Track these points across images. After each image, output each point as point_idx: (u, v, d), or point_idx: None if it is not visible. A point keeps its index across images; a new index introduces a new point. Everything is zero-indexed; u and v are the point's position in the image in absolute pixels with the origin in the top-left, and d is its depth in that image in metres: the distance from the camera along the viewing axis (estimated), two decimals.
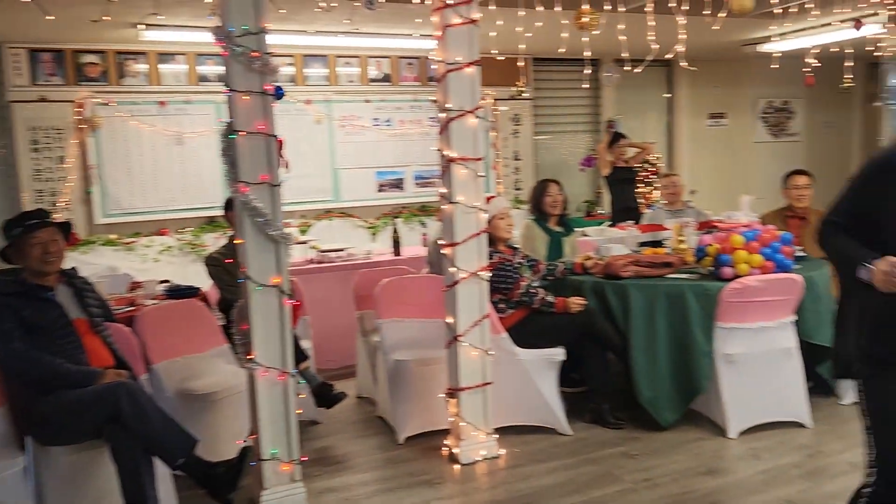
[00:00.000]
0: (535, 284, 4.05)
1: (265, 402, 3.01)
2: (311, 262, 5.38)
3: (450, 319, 3.52)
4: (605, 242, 4.77)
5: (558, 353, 3.87)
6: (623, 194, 6.91)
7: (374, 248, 5.95)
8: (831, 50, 5.09)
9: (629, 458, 3.59)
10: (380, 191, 7.07)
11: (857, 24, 5.17)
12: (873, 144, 9.93)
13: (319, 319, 4.76)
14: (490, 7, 3.80)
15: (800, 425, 3.87)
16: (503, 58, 4.52)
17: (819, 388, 4.18)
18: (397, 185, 7.14)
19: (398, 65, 7.09)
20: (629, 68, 4.25)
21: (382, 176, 7.07)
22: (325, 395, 3.98)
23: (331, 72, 6.78)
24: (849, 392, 4.15)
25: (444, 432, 3.76)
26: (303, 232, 6.55)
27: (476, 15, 3.33)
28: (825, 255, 2.15)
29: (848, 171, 9.99)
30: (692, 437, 3.81)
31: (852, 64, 5.38)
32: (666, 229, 5.14)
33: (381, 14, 3.85)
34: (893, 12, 5.11)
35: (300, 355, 3.85)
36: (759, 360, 3.79)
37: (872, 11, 5.23)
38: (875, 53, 5.46)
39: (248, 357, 3.01)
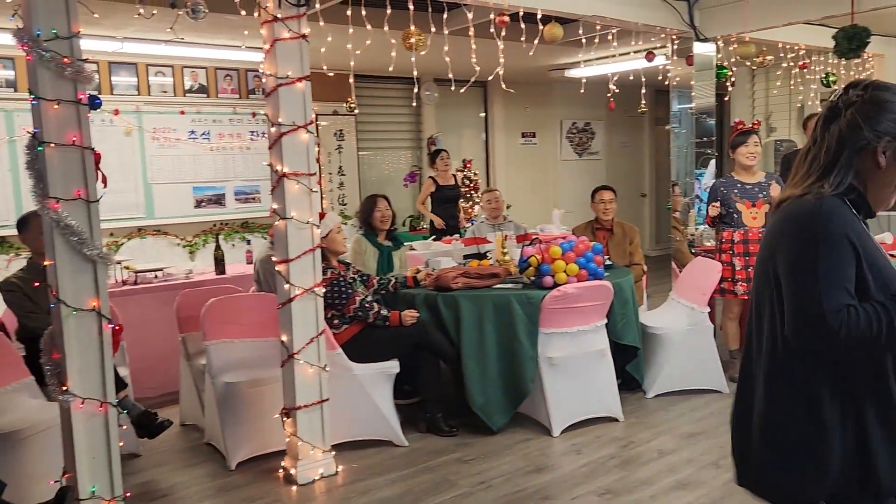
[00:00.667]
0: (370, 299, 4.08)
1: (82, 436, 2.76)
2: (125, 283, 5.01)
3: (284, 337, 3.45)
4: (434, 256, 4.90)
5: (393, 366, 3.92)
6: (445, 210, 7.12)
7: (194, 266, 5.66)
8: (630, 78, 5.60)
9: (464, 463, 3.71)
10: (198, 206, 6.75)
11: (650, 55, 5.77)
12: (662, 163, 11.07)
13: (136, 345, 4.46)
14: (320, 23, 3.79)
15: (613, 419, 4.22)
16: (332, 74, 4.53)
17: (626, 384, 4.59)
18: (217, 200, 6.86)
19: (216, 76, 6.83)
20: (454, 88, 4.42)
21: (201, 191, 6.76)
22: (147, 425, 3.73)
23: (141, 81, 6.38)
24: (654, 386, 4.60)
25: (280, 454, 3.67)
26: (113, 251, 6.09)
27: (306, 30, 3.32)
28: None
29: (642, 185, 11.12)
30: (521, 438, 4.02)
31: (644, 91, 6.00)
32: (488, 242, 5.39)
33: (200, 23, 3.70)
34: (677, 46, 5.76)
35: (119, 384, 3.57)
36: (577, 362, 4.09)
37: (661, 45, 5.87)
38: (665, 82, 6.11)
39: (61, 388, 2.74)
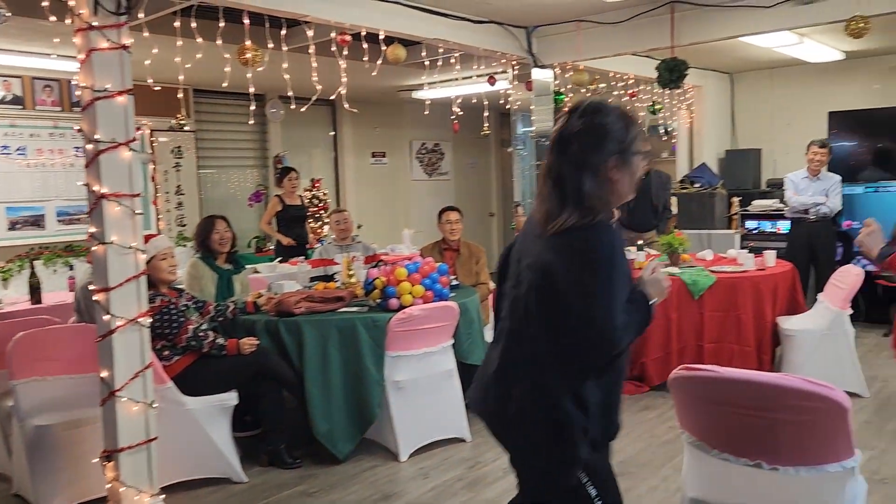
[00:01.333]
0: (204, 327, 3.84)
1: None
2: None
3: (104, 373, 3.14)
4: (276, 279, 4.71)
5: (231, 398, 3.70)
6: (292, 231, 6.91)
7: (5, 295, 5.09)
8: (473, 101, 5.72)
9: (308, 496, 3.56)
10: (12, 229, 6.11)
11: (491, 79, 5.94)
12: (509, 183, 11.43)
13: None
14: (144, 34, 3.54)
15: (461, 440, 4.22)
16: (159, 87, 4.25)
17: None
18: (35, 222, 6.25)
19: (32, 86, 6.25)
20: (294, 106, 4.29)
21: (15, 212, 6.14)
22: None
23: None
24: None
25: (101, 501, 3.33)
26: None
27: (127, 40, 3.07)
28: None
29: (490, 205, 11.42)
30: (367, 465, 3.92)
31: (487, 114, 6.16)
32: (336, 264, 5.28)
33: (9, 28, 3.34)
34: (517, 72, 5.97)
35: None
36: (424, 384, 4.06)
37: (503, 70, 6.06)
38: (506, 106, 6.30)
39: None
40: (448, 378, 4.18)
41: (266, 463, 3.88)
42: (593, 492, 1.89)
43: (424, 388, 4.06)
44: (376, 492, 3.60)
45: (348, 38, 4.10)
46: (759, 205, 7.46)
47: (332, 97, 4.41)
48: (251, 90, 4.21)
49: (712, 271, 5.06)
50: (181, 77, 4.12)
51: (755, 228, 7.43)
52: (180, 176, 7.46)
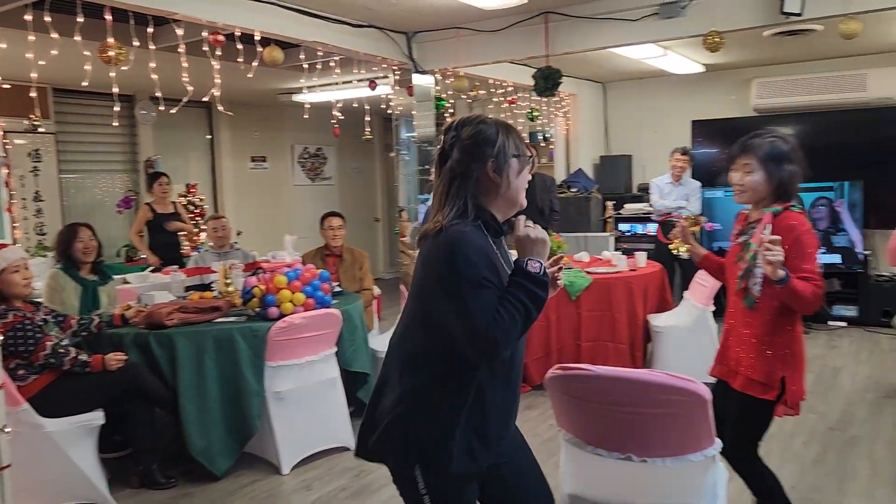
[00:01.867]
0: (65, 343, 3.58)
1: None
2: None
3: None
4: (147, 290, 4.47)
5: (96, 418, 3.46)
6: (166, 239, 6.56)
7: None
8: (354, 105, 5.67)
9: None
10: None
11: (372, 84, 5.91)
12: (393, 188, 11.43)
13: None
14: None
15: (346, 449, 4.15)
16: (9, 86, 3.93)
17: (358, 411, 4.56)
18: None
19: None
20: (164, 108, 4.09)
21: None
22: None
23: None
24: None
25: None
26: None
27: None
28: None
29: (375, 210, 11.36)
30: (247, 480, 3.79)
31: (370, 118, 6.13)
32: (213, 272, 5.07)
33: None
34: (398, 77, 5.98)
35: None
36: (307, 394, 3.97)
37: (384, 75, 6.04)
38: (388, 110, 6.29)
39: None
40: (331, 387, 4.11)
41: (137, 484, 3.67)
42: None
43: (307, 398, 3.97)
44: None
45: (221, 38, 3.95)
46: (630, 208, 7.84)
47: (205, 99, 4.22)
48: (115, 90, 3.97)
49: (588, 272, 5.25)
50: (34, 74, 3.81)
51: (628, 231, 7.80)
52: (39, 181, 6.94)
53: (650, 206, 7.25)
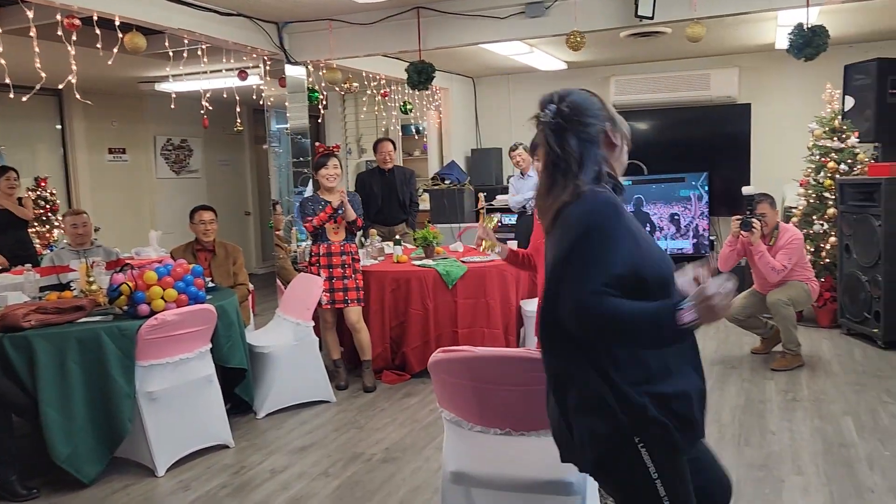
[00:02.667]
0: None
1: None
2: None
3: None
4: (7, 289, 4.17)
5: None
6: (14, 237, 6.07)
7: None
8: (223, 96, 5.52)
9: None
10: None
11: (242, 74, 5.76)
12: (264, 181, 11.17)
13: None
14: None
15: (224, 447, 4.07)
16: None
17: (236, 408, 4.48)
18: None
19: None
20: (13, 95, 3.81)
21: None
22: None
23: None
24: (264, 405, 4.57)
25: None
26: None
27: None
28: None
29: (245, 204, 11.06)
30: (119, 485, 3.63)
31: (239, 109, 5.97)
32: (72, 270, 4.79)
33: None
34: (269, 67, 5.87)
35: None
36: (181, 393, 3.85)
37: (254, 65, 5.91)
38: (260, 101, 6.16)
39: None
40: (207, 384, 4.00)
41: None
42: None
43: (181, 397, 3.86)
44: None
45: (77, 22, 3.73)
46: (501, 200, 8.12)
47: (60, 86, 3.97)
48: None
49: (463, 262, 5.41)
50: None
51: (499, 221, 8.07)
52: None
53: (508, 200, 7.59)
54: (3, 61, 3.57)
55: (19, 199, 6.28)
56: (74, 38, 3.74)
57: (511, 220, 7.95)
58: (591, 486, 2.45)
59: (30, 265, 5.29)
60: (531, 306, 5.43)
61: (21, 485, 3.46)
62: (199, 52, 5.08)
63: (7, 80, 3.65)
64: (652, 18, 4.72)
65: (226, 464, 3.88)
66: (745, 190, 5.09)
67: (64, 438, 3.50)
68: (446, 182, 8.33)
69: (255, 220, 11.19)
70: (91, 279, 4.16)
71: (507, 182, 7.21)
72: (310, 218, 4.92)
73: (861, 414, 4.20)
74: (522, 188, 6.96)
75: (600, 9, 5.04)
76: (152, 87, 8.01)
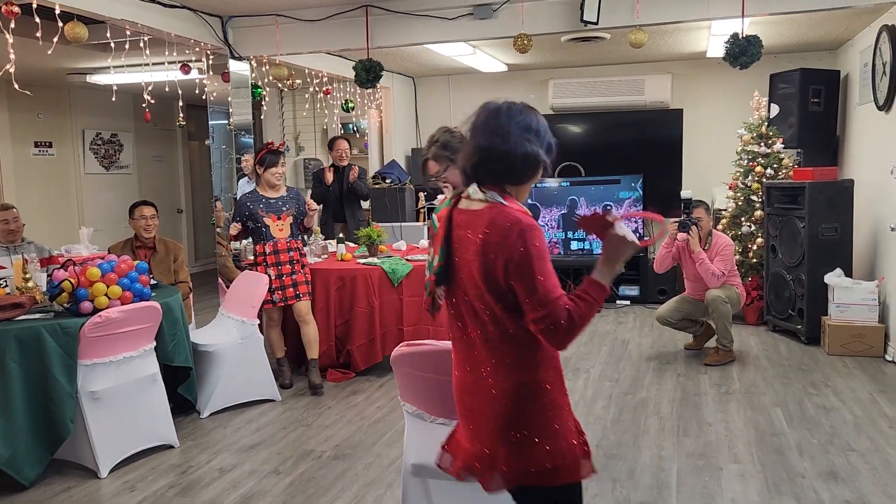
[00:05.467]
0: None
1: None
2: None
3: None
4: None
5: None
6: None
7: None
8: (166, 90, 5.39)
9: None
10: None
11: (185, 68, 5.64)
12: (198, 178, 10.92)
13: None
14: None
15: (169, 447, 3.99)
16: None
17: (179, 406, 4.40)
18: None
19: None
20: None
21: None
22: None
23: None
24: (208, 404, 4.50)
25: None
26: None
27: None
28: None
29: (178, 201, 10.78)
30: (60, 487, 3.52)
31: (182, 104, 5.85)
32: (3, 268, 4.59)
33: None
34: (212, 62, 5.76)
35: None
36: (125, 392, 3.76)
37: (197, 59, 5.79)
38: (202, 96, 6.04)
39: None
40: (151, 383, 3.92)
41: None
42: None
43: (125, 396, 3.77)
44: None
45: (17, 9, 3.59)
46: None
47: None
48: None
49: (409, 260, 5.45)
50: None
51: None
52: None
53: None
54: None
55: None
56: (13, 25, 3.60)
57: None
58: None
59: None
60: None
61: None
62: (141, 45, 4.95)
63: None
64: (597, 24, 4.87)
65: (172, 464, 3.81)
66: (684, 194, 5.31)
67: (3, 440, 3.38)
68: (387, 181, 8.35)
69: (187, 218, 10.92)
70: (27, 276, 4.00)
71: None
72: (237, 223, 4.86)
73: (789, 404, 4.45)
74: None
75: (547, 13, 5.17)
76: (83, 79, 7.73)
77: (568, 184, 7.88)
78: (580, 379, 5.09)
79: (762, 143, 6.58)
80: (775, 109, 6.80)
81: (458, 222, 1.81)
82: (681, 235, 5.23)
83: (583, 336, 6.33)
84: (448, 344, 2.39)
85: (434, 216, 1.90)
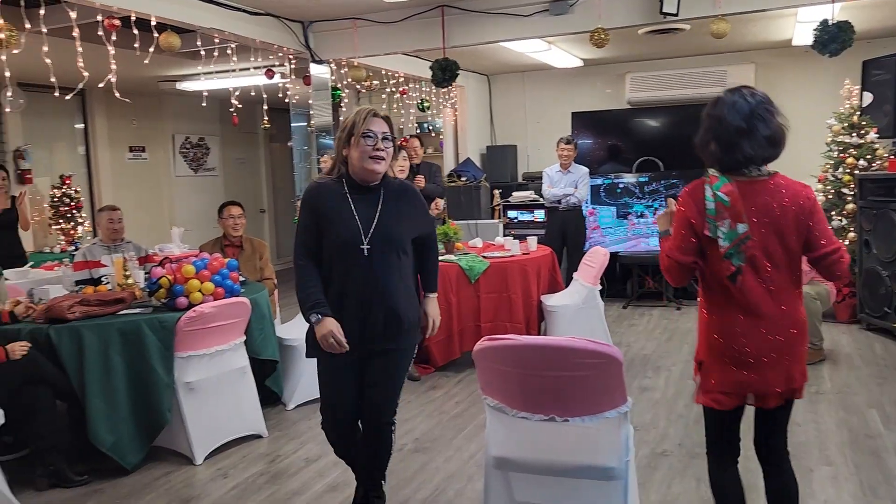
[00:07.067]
0: None
1: None
2: None
3: None
4: (38, 285, 4.26)
5: None
6: (3, 239, 5.98)
7: None
8: (252, 94, 5.59)
9: None
10: None
11: (270, 73, 5.85)
12: (279, 179, 11.27)
13: None
14: None
15: (258, 436, 4.16)
16: None
17: (266, 398, 4.56)
18: None
19: None
20: (58, 95, 3.90)
21: None
22: None
23: None
24: (293, 396, 4.66)
25: None
26: None
27: None
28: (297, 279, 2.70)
29: (260, 201, 11.15)
30: (160, 473, 3.73)
31: (267, 107, 6.06)
32: (104, 266, 4.88)
33: None
34: (294, 66, 5.95)
35: None
36: (217, 383, 3.94)
37: (280, 63, 5.99)
38: (285, 100, 6.24)
39: None
40: (242, 375, 4.10)
41: (46, 486, 3.51)
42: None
43: (217, 388, 3.95)
44: (174, 498, 3.44)
45: (117, 22, 3.81)
46: (517, 196, 8.19)
47: (80, 85, 4.03)
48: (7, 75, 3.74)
49: (485, 257, 5.49)
50: None
51: (515, 218, 8.14)
52: None
53: (538, 194, 7.61)
54: (49, 61, 3.66)
55: (13, 197, 6.22)
56: (114, 37, 3.82)
57: (528, 216, 8.02)
58: (633, 471, 2.53)
59: (31, 263, 5.32)
60: (552, 301, 5.50)
61: (71, 471, 3.56)
62: (229, 51, 5.17)
63: (52, 79, 3.73)
64: (676, 15, 4.78)
65: (261, 453, 3.97)
66: None
67: (108, 427, 3.60)
68: (462, 179, 8.41)
69: (269, 218, 11.28)
70: (127, 273, 4.25)
71: (543, 174, 7.14)
72: None
73: (885, 405, 4.26)
74: (560, 182, 6.93)
75: (624, 5, 5.10)
76: (173, 86, 8.10)
77: (646, 179, 7.75)
78: (661, 377, 5.01)
79: (854, 134, 6.30)
80: (868, 98, 6.49)
81: (745, 192, 2.16)
82: None
83: (663, 334, 6.23)
84: (529, 338, 2.43)
85: (719, 192, 2.13)
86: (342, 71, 6.35)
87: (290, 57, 5.79)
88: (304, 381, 4.68)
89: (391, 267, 2.68)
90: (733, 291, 2.17)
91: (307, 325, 2.70)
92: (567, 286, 5.88)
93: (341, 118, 7.55)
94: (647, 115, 8.30)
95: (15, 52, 3.49)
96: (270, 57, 5.77)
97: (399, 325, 2.72)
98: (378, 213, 2.66)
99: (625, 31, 5.81)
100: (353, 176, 2.67)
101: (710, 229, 2.14)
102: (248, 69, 5.44)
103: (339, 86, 6.44)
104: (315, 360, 2.80)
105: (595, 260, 5.50)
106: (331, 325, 2.59)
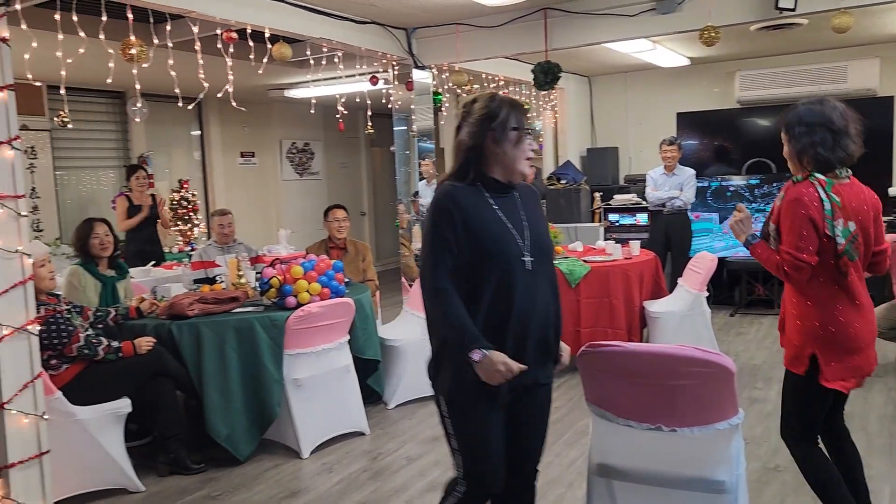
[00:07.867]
0: (93, 333, 3.65)
1: None
2: None
3: None
4: (160, 283, 4.54)
5: (124, 406, 3.55)
6: (141, 234, 6.39)
7: None
8: (356, 100, 5.76)
9: (212, 499, 3.49)
10: None
11: (374, 79, 6.00)
12: (379, 182, 11.52)
13: None
14: (23, 27, 3.31)
15: (361, 434, 4.27)
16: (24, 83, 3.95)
17: (368, 397, 4.68)
18: None
19: None
20: (181, 105, 4.15)
21: None
22: None
23: None
24: (394, 396, 4.75)
25: None
26: None
27: (5, 33, 2.88)
28: (432, 315, 2.22)
29: (361, 204, 11.44)
30: (269, 465, 3.89)
31: (371, 113, 6.22)
32: (218, 266, 5.15)
33: None
34: (397, 72, 6.08)
35: None
36: (323, 381, 4.08)
37: (383, 70, 6.14)
38: (388, 105, 6.38)
39: None
40: (346, 373, 4.22)
41: (167, 472, 3.75)
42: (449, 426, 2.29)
43: (323, 385, 4.09)
44: (283, 489, 3.59)
45: (234, 35, 4.02)
46: (619, 199, 8.03)
47: (199, 96, 4.26)
48: (137, 87, 4.02)
49: (585, 261, 5.41)
50: (63, 73, 3.77)
51: (616, 221, 7.98)
52: (35, 178, 6.93)
53: (641, 197, 7.43)
54: (174, 73, 3.90)
55: (151, 195, 6.63)
56: (231, 49, 4.03)
57: (629, 220, 7.84)
58: (744, 485, 2.44)
59: (154, 262, 5.63)
60: (655, 307, 5.36)
61: (190, 459, 3.78)
62: (336, 59, 5.34)
63: (177, 90, 3.98)
64: (794, 10, 4.56)
65: (364, 450, 4.08)
66: (893, 191, 4.83)
67: (223, 419, 3.79)
68: (562, 182, 8.32)
69: (370, 221, 11.54)
70: (240, 273, 4.47)
71: (646, 177, 6.98)
72: None
73: None
74: (665, 185, 6.75)
75: (735, 1, 4.91)
76: (281, 94, 8.44)
77: (758, 181, 7.42)
78: (773, 388, 4.79)
79: None
80: None
81: (841, 191, 2.44)
82: (890, 237, 4.75)
83: (774, 343, 5.94)
84: (636, 345, 2.38)
85: (832, 193, 2.41)
86: (443, 76, 6.42)
87: (394, 63, 5.92)
88: (405, 382, 4.77)
89: (550, 282, 2.24)
90: (840, 285, 2.41)
91: (432, 362, 2.26)
92: (671, 292, 5.72)
93: (442, 123, 7.70)
94: (759, 115, 7.95)
95: (144, 65, 3.74)
96: (374, 64, 5.92)
97: (549, 354, 2.26)
98: (525, 219, 2.21)
99: (735, 28, 5.59)
100: (492, 175, 2.18)
101: (829, 228, 2.37)
102: (353, 76, 5.60)
103: (440, 90, 6.52)
104: (449, 398, 2.24)
105: (702, 265, 5.32)
106: (500, 356, 2.06)
